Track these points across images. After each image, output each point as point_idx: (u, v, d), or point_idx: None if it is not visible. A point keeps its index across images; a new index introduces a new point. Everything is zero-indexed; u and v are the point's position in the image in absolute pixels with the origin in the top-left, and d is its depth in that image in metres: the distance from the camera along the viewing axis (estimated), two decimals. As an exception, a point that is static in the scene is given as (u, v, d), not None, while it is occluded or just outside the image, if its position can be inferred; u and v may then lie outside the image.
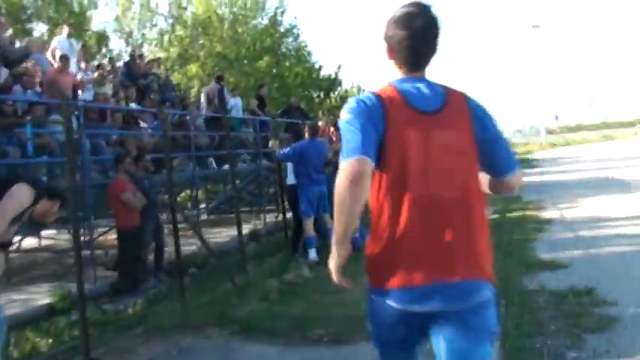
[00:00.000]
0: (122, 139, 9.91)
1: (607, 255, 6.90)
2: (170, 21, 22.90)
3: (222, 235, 11.12)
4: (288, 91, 26.35)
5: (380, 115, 2.07)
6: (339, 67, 32.25)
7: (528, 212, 10.88)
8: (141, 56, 14.93)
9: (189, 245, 9.80)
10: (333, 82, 31.43)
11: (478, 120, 2.16)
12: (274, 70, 25.34)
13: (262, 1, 25.28)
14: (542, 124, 58.68)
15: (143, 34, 22.85)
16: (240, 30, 24.26)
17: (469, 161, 2.13)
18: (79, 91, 10.98)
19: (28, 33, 17.47)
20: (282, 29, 26.00)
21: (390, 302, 2.07)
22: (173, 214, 6.35)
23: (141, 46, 22.63)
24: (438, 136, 2.08)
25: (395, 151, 2.06)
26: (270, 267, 7.94)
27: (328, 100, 31.44)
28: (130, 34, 22.37)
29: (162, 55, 22.59)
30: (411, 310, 2.05)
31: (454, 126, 2.12)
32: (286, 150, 8.60)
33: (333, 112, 31.05)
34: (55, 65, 10.35)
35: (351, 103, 2.16)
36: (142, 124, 11.17)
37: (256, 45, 25.08)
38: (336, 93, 32.88)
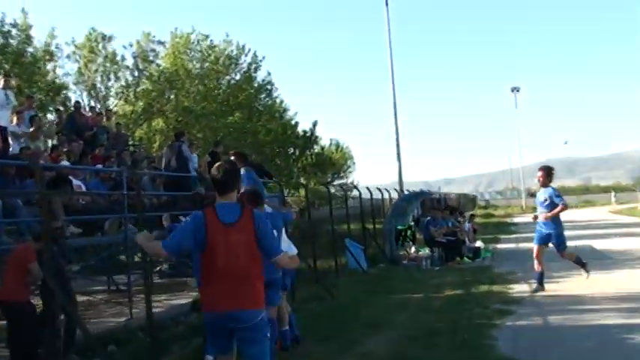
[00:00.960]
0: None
1: (578, 351, 5.81)
2: (135, 74, 22.22)
3: (164, 303, 9.89)
4: (260, 148, 25.63)
5: (202, 224, 3.77)
6: (314, 124, 31.75)
7: (496, 287, 9.84)
8: (93, 108, 14.11)
9: (121, 316, 8.76)
10: (308, 139, 30.79)
11: (257, 225, 3.83)
12: (248, 126, 24.76)
13: (235, 57, 24.85)
14: (523, 186, 58.34)
15: (107, 87, 22.09)
16: (211, 85, 23.70)
17: (250, 251, 3.82)
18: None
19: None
20: (255, 85, 25.55)
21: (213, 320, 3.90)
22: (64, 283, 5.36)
23: (105, 98, 21.86)
24: (233, 237, 3.77)
25: (210, 245, 3.76)
26: (194, 350, 6.82)
27: (304, 158, 30.74)
28: (93, 87, 21.59)
29: (127, 108, 21.87)
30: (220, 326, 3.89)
31: (244, 231, 3.81)
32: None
33: (307, 170, 30.40)
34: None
35: (192, 215, 3.94)
36: (76, 182, 10.16)
37: (229, 101, 24.56)
38: (313, 150, 32.21)
